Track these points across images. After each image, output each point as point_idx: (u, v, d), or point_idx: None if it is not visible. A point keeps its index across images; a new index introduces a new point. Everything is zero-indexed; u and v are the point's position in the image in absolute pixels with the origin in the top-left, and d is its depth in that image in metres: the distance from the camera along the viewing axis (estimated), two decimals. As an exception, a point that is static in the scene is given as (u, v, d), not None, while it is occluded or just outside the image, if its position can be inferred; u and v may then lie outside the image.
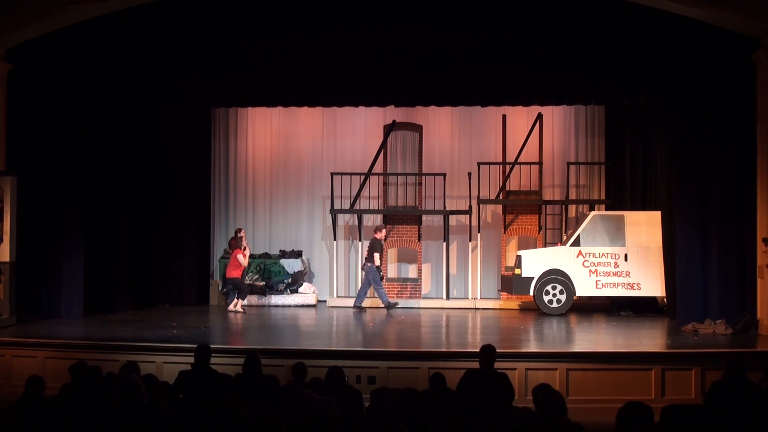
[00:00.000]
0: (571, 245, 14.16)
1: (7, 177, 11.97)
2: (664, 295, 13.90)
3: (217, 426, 4.57)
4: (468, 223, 15.98)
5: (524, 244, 15.73)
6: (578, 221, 15.47)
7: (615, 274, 14.00)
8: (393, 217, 16.02)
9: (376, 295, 14.88)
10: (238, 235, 14.90)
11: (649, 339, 11.49)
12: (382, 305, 14.70)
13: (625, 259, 13.98)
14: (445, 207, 16.01)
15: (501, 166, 15.96)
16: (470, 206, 15.72)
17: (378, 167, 16.01)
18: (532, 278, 14.12)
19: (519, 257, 14.33)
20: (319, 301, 15.88)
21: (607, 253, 14.02)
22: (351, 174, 16.03)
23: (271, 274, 15.93)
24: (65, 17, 11.99)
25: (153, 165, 15.34)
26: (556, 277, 14.04)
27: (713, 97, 12.01)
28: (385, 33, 12.42)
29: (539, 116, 15.54)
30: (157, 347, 9.90)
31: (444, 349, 10.43)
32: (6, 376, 9.99)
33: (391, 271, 16.23)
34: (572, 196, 16.19)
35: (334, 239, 16.06)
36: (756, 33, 11.41)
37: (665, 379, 9.34)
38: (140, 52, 12.76)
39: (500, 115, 16.02)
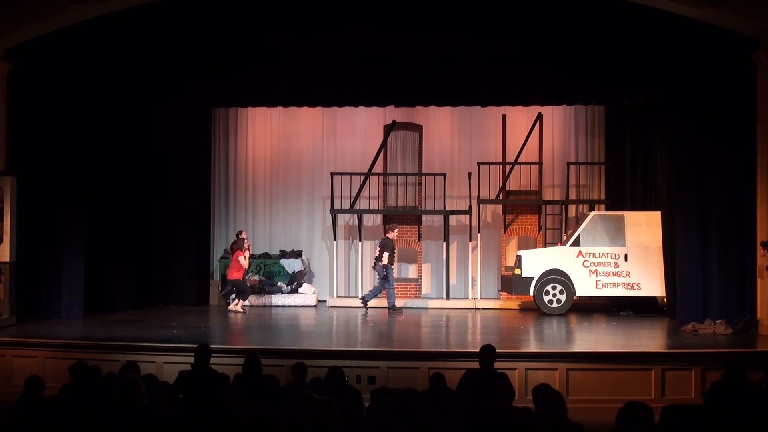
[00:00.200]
0: (571, 245, 14.16)
1: (7, 177, 11.96)
2: (664, 295, 13.91)
3: (217, 426, 4.57)
4: (468, 223, 15.98)
5: (524, 244, 15.74)
6: (578, 221, 15.47)
7: (615, 274, 14.00)
8: (393, 217, 16.01)
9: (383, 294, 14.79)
10: (240, 236, 14.88)
11: (649, 339, 11.50)
12: (387, 305, 14.65)
13: (625, 259, 13.98)
14: (445, 207, 16.01)
15: (501, 166, 15.96)
16: (470, 206, 15.72)
17: (378, 167, 16.02)
18: (532, 278, 14.12)
19: (519, 257, 14.34)
20: (319, 301, 15.88)
21: (607, 253, 14.02)
22: (351, 174, 16.03)
23: (271, 274, 15.93)
24: (65, 17, 11.99)
25: (153, 165, 15.34)
26: (556, 277, 14.04)
27: (713, 97, 12.01)
28: (386, 33, 12.41)
29: (539, 116, 15.54)
30: (157, 347, 9.90)
31: (444, 349, 10.42)
32: (6, 376, 9.99)
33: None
34: (572, 196, 16.19)
35: (334, 239, 16.06)
36: (756, 33, 11.41)
37: (665, 379, 9.33)
38: (140, 52, 12.75)
39: (500, 115, 16.02)
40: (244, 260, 14.40)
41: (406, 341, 11.49)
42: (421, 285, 16.05)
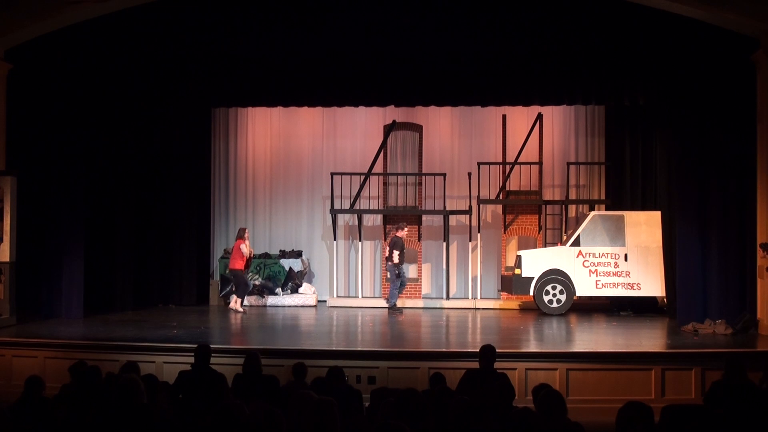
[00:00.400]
0: (571, 245, 14.17)
1: (7, 177, 11.96)
2: (664, 295, 13.91)
3: (217, 426, 4.57)
4: (468, 223, 15.98)
5: (524, 244, 15.74)
6: (578, 221, 15.47)
7: (615, 274, 14.00)
8: (393, 217, 16.02)
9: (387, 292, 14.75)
10: (245, 235, 14.82)
11: (649, 339, 11.50)
12: (387, 305, 14.64)
13: (625, 259, 13.98)
14: (445, 207, 16.01)
15: (501, 166, 15.97)
16: (470, 206, 15.72)
17: (378, 167, 16.02)
18: (532, 278, 14.12)
19: (519, 257, 14.34)
20: (319, 301, 15.88)
21: (607, 253, 14.02)
22: (351, 174, 16.03)
23: (272, 275, 15.91)
24: (65, 17, 11.98)
25: (153, 165, 15.32)
26: (556, 277, 14.04)
27: (713, 97, 12.01)
28: (386, 33, 12.40)
29: (539, 116, 15.55)
30: (157, 347, 9.90)
31: (444, 349, 10.42)
32: (6, 376, 9.99)
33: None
34: (572, 196, 16.19)
35: (334, 239, 16.06)
36: (756, 33, 11.41)
37: (665, 379, 9.33)
38: (140, 52, 12.75)
39: (500, 115, 16.02)
40: (245, 248, 14.35)
41: (406, 341, 11.49)
42: (421, 285, 16.05)
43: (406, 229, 14.86)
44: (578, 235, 14.18)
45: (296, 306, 15.46)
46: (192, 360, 7.25)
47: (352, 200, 15.80)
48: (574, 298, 14.18)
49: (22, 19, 11.87)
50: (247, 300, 15.22)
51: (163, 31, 12.53)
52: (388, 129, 16.09)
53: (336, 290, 16.09)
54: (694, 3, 11.24)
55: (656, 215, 13.97)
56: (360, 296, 15.97)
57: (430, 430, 4.97)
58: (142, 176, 14.99)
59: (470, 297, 15.78)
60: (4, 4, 11.72)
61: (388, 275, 14.67)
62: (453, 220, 16.32)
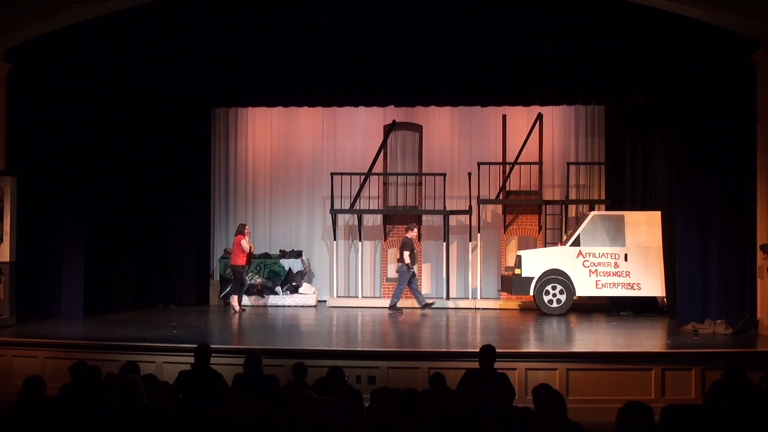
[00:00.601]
0: (571, 245, 14.16)
1: (7, 177, 11.96)
2: (664, 295, 13.91)
3: (217, 426, 4.57)
4: (468, 223, 15.98)
5: (524, 244, 15.73)
6: (578, 221, 15.47)
7: (615, 274, 14.00)
8: (393, 217, 16.03)
9: (400, 293, 14.71)
10: (245, 230, 14.80)
11: (649, 339, 11.50)
12: (388, 305, 14.63)
13: (625, 259, 13.98)
14: (445, 207, 16.01)
15: (501, 166, 15.97)
16: (470, 206, 15.72)
17: (378, 167, 16.02)
18: (532, 278, 14.12)
19: (519, 257, 14.34)
20: (319, 301, 15.88)
21: (607, 253, 14.02)
22: (351, 174, 16.03)
23: (273, 274, 15.91)
24: (65, 17, 11.99)
25: (153, 165, 15.32)
26: (556, 277, 14.04)
27: (713, 97, 12.01)
28: (386, 33, 12.39)
29: (539, 116, 15.55)
30: (157, 347, 9.90)
31: (444, 349, 10.42)
32: (6, 376, 9.99)
33: (391, 271, 16.19)
34: (572, 196, 16.19)
35: (334, 239, 16.06)
36: (756, 33, 11.41)
37: (665, 379, 9.33)
38: (140, 52, 12.75)
39: (500, 115, 16.02)
40: (245, 243, 14.35)
41: (406, 341, 11.49)
42: (421, 285, 16.04)
43: (416, 229, 14.77)
44: (578, 235, 14.18)
45: (296, 306, 15.47)
46: (192, 360, 7.25)
47: (352, 200, 15.80)
48: (574, 298, 14.18)
49: (22, 19, 11.88)
50: (248, 300, 15.23)
51: (164, 30, 12.52)
52: (388, 129, 16.09)
53: (336, 290, 16.09)
54: (694, 3, 11.24)
55: (656, 215, 13.97)
56: (360, 296, 15.97)
57: (430, 430, 4.97)
58: (142, 176, 14.99)
59: (470, 297, 15.78)
60: (4, 4, 11.72)
61: (400, 276, 14.56)
62: (453, 220, 16.32)
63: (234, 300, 14.36)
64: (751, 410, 5.29)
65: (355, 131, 16.80)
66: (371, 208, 16.44)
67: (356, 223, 16.31)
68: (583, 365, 9.47)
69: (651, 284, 13.98)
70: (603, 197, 16.15)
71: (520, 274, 14.18)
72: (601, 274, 14.02)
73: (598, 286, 14.05)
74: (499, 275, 15.75)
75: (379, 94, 13.21)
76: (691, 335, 11.33)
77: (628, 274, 13.98)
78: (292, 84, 12.96)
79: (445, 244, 15.90)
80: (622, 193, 15.70)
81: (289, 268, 15.87)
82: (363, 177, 15.82)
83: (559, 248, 14.44)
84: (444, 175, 15.97)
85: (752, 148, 11.69)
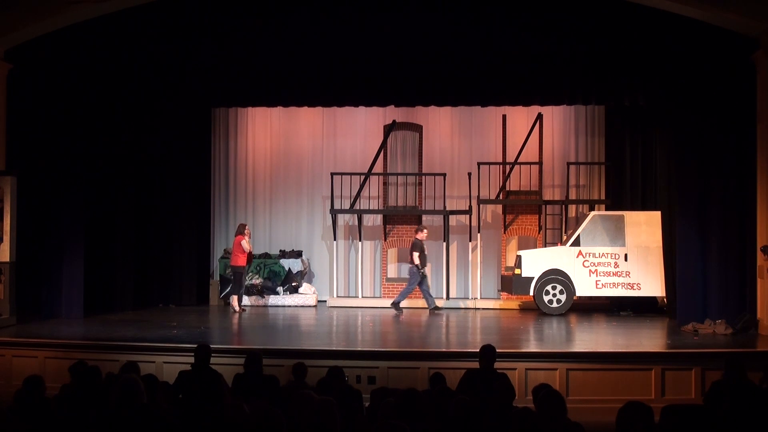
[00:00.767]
0: (571, 245, 14.16)
1: (7, 177, 11.97)
2: (664, 295, 13.91)
3: (217, 426, 4.57)
4: (468, 223, 15.98)
5: (524, 244, 15.73)
6: (578, 221, 15.47)
7: (615, 274, 14.00)
8: (393, 217, 16.02)
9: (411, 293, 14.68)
10: (245, 230, 14.79)
11: (649, 339, 11.50)
12: (390, 305, 14.61)
13: (625, 259, 13.98)
14: (445, 207, 16.01)
15: (501, 166, 15.97)
16: (470, 206, 15.72)
17: (378, 167, 16.02)
18: (532, 278, 14.12)
19: (519, 257, 14.33)
20: (319, 301, 15.88)
21: (607, 253, 14.02)
22: (351, 174, 16.03)
23: (273, 274, 15.90)
24: (65, 17, 11.99)
25: (153, 165, 15.31)
26: (556, 277, 14.04)
27: (713, 97, 12.01)
28: (385, 32, 12.40)
29: (539, 116, 15.55)
30: (157, 347, 9.90)
31: (444, 349, 10.43)
32: (6, 376, 9.99)
33: (391, 271, 16.23)
34: (572, 196, 16.19)
35: (334, 239, 16.06)
36: (756, 33, 11.41)
37: (665, 379, 9.33)
38: (140, 52, 12.75)
39: (500, 115, 16.02)
40: (246, 243, 14.35)
41: (406, 341, 11.49)
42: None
43: (425, 231, 14.60)
44: (578, 235, 14.18)
45: (296, 306, 15.47)
46: (192, 360, 7.25)
47: (352, 200, 15.80)
48: (574, 298, 14.18)
49: (22, 19, 11.88)
50: (248, 300, 15.23)
51: (163, 30, 12.53)
52: (388, 129, 16.09)
53: (336, 290, 16.09)
54: (694, 3, 11.24)
55: (656, 215, 13.97)
56: (360, 296, 15.97)
57: (430, 430, 4.97)
58: (142, 176, 14.99)
59: (470, 297, 15.78)
60: (4, 4, 11.72)
61: (411, 276, 14.47)
62: (453, 220, 16.32)
63: (234, 300, 14.38)
64: (751, 410, 5.29)
65: (355, 131, 16.80)
66: (371, 208, 16.44)
67: (356, 223, 16.31)
68: (583, 365, 9.47)
69: (651, 284, 13.98)
70: (603, 197, 16.15)
71: (520, 274, 14.18)
72: (601, 274, 14.02)
73: (598, 286, 14.05)
74: (499, 275, 15.74)
75: (379, 94, 13.21)
76: (691, 335, 11.33)
77: (628, 274, 13.98)
78: (292, 84, 12.96)
79: (445, 244, 15.90)
80: (622, 193, 15.69)
81: (289, 268, 15.87)
82: (363, 177, 15.82)
83: (559, 248, 14.44)
84: (444, 175, 15.97)
85: (752, 148, 11.69)
